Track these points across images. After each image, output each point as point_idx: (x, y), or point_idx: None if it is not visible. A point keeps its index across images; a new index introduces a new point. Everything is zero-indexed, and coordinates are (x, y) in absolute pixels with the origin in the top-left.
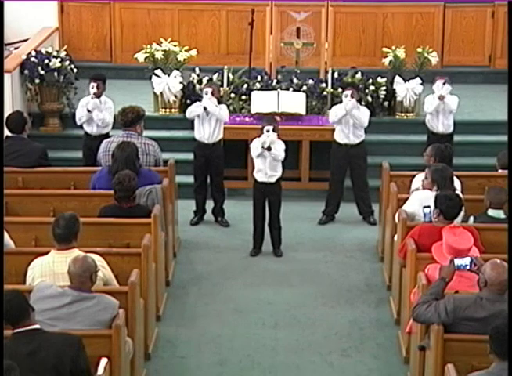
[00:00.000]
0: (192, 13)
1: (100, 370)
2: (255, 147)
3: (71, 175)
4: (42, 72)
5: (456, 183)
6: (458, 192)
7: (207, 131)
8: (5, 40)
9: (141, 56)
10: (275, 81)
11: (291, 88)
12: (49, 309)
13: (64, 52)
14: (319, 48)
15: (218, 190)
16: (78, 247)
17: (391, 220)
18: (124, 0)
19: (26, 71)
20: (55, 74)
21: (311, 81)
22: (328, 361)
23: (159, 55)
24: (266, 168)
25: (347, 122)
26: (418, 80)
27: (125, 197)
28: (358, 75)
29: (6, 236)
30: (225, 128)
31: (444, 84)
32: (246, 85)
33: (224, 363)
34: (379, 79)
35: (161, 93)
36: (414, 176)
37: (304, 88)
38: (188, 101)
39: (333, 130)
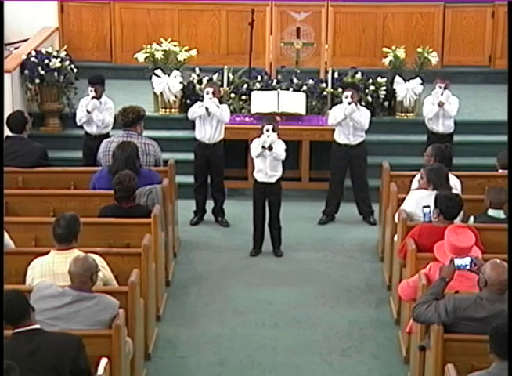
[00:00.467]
0: (192, 13)
1: (100, 370)
2: (255, 147)
3: (71, 175)
4: (42, 72)
5: (456, 183)
6: (454, 191)
7: (209, 132)
8: (5, 40)
9: (141, 56)
10: (275, 81)
11: (291, 88)
12: (49, 309)
13: (64, 52)
14: (319, 48)
15: (218, 190)
16: (78, 247)
17: (391, 220)
18: (124, 0)
19: (26, 71)
20: (56, 74)
21: (311, 81)
22: (328, 361)
23: (159, 55)
24: (266, 168)
25: (347, 124)
26: (418, 80)
27: (125, 197)
28: (358, 75)
29: (6, 236)
30: (225, 128)
31: (445, 88)
32: (246, 85)
33: (224, 363)
34: (379, 79)
35: (161, 93)
36: (414, 176)
37: (304, 88)
38: (188, 101)
39: (333, 130)
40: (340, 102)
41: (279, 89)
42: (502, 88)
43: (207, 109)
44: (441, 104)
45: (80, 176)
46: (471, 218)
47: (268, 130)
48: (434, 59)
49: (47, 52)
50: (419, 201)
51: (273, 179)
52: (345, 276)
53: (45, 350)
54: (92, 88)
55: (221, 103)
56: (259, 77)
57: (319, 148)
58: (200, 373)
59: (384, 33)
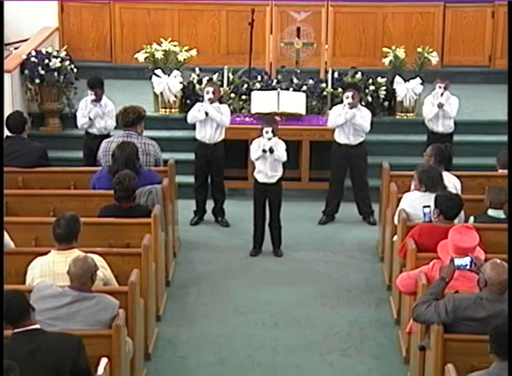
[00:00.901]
0: (192, 13)
1: (100, 370)
2: (255, 150)
3: (71, 175)
4: (42, 72)
5: (456, 183)
6: (452, 190)
7: (209, 132)
8: (5, 40)
9: (141, 56)
10: (275, 81)
11: (291, 88)
12: (49, 309)
13: (64, 52)
14: (319, 48)
15: (219, 190)
16: (78, 247)
17: (391, 220)
18: (124, 0)
19: (26, 71)
20: (56, 74)
21: (311, 81)
22: (328, 361)
23: (159, 55)
24: (267, 168)
25: (348, 124)
26: (418, 80)
27: (125, 196)
28: (359, 75)
29: (6, 236)
30: (225, 129)
31: (445, 88)
32: (246, 85)
33: (224, 363)
34: (379, 79)
35: (161, 93)
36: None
37: (304, 88)
38: (188, 101)
39: (334, 130)
40: (341, 102)
41: (279, 89)
42: (502, 88)
43: (206, 114)
44: (440, 105)
45: (80, 176)
46: (471, 218)
47: (267, 132)
48: (434, 59)
49: (47, 52)
50: (412, 203)
51: (274, 180)
52: (345, 276)
53: (45, 350)
54: (92, 92)
55: (221, 103)
56: (259, 77)
57: (319, 148)
58: (200, 373)
59: (383, 33)
